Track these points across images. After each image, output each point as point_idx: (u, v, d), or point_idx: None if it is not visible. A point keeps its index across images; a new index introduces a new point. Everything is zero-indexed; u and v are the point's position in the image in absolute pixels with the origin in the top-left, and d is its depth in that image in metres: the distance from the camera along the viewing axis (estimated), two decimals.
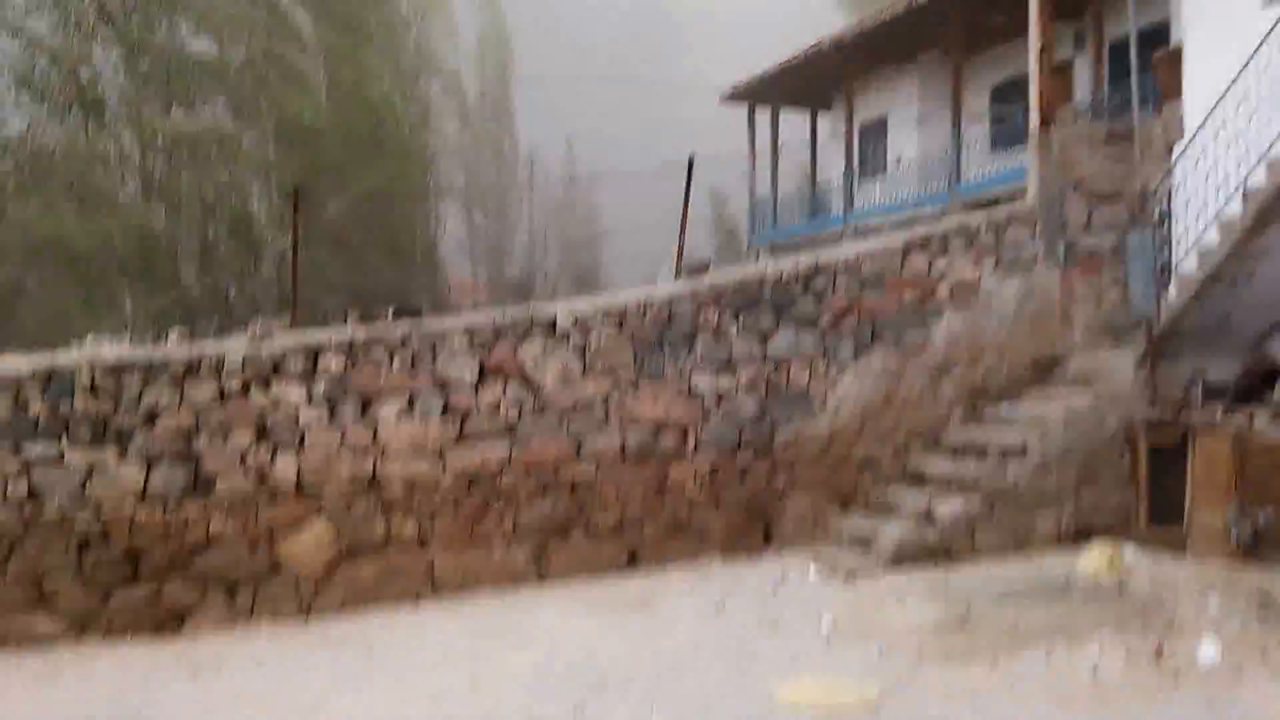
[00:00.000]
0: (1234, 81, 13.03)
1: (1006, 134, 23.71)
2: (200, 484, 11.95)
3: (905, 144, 27.47)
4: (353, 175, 31.91)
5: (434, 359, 12.97)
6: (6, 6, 30.16)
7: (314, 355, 12.54)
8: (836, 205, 29.41)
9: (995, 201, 18.39)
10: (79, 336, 16.56)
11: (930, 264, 14.97)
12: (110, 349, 12.69)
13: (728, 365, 14.06)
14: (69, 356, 11.96)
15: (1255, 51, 12.69)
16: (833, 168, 30.70)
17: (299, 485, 12.27)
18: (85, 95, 30.59)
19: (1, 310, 28.47)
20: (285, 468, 12.24)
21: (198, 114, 31.52)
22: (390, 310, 13.56)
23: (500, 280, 40.82)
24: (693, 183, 15.78)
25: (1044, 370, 15.27)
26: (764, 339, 14.24)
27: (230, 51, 32.86)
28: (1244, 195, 12.67)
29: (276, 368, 12.38)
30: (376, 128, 34.54)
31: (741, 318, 14.17)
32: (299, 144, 32.28)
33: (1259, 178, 12.46)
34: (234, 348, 12.38)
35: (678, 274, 15.04)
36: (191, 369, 12.06)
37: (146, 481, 11.74)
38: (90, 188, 30.12)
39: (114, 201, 30.43)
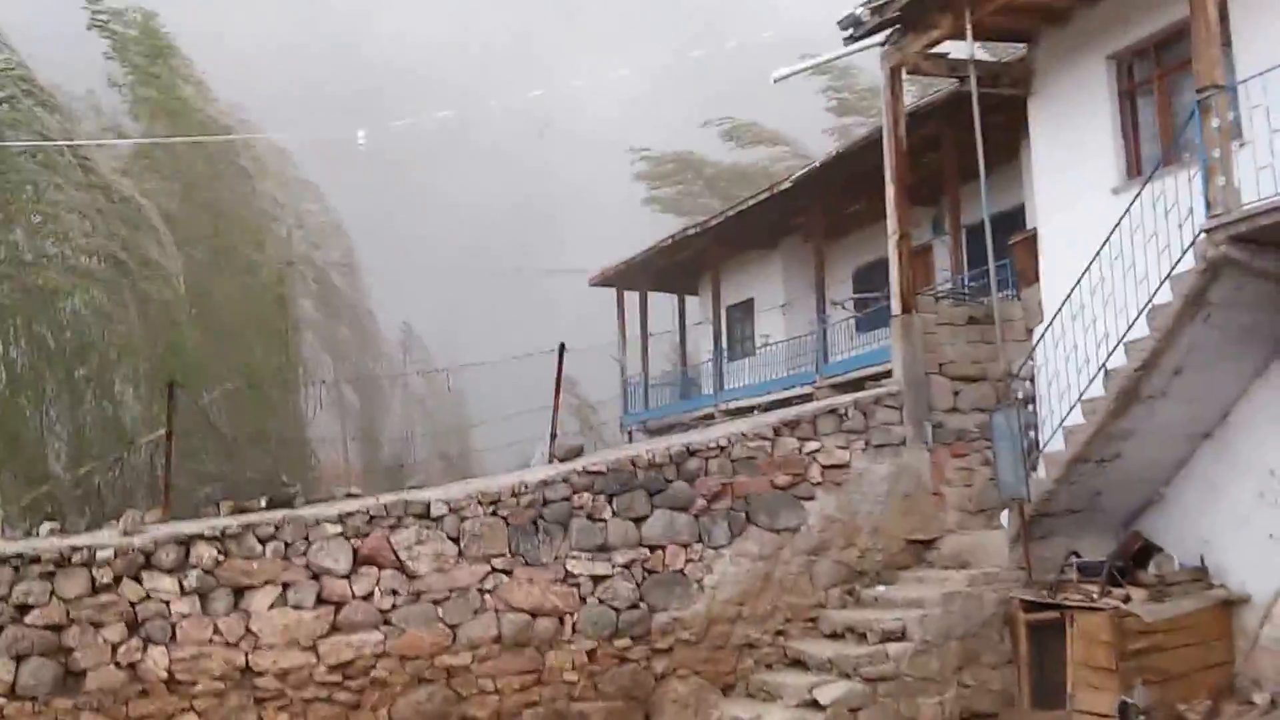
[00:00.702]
0: (1088, 267, 13.56)
1: (871, 315, 24.30)
2: (70, 679, 11.59)
3: (772, 326, 28.00)
4: (221, 362, 31.64)
5: (307, 548, 12.76)
6: None
7: (186, 546, 12.32)
8: (707, 386, 29.76)
9: (863, 382, 18.75)
10: None
11: (801, 445, 15.17)
12: None
13: (603, 549, 14.01)
14: None
15: (1107, 239, 13.24)
16: (703, 349, 31.16)
17: (171, 679, 11.94)
18: None
19: None
20: (157, 661, 11.93)
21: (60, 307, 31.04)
22: (263, 499, 13.39)
23: (373, 463, 40.38)
24: (564, 366, 15.91)
25: (919, 551, 15.44)
26: (639, 522, 14.23)
27: (88, 244, 32.56)
28: (1105, 376, 13.09)
29: (148, 559, 12.16)
30: (239, 315, 34.36)
31: (616, 501, 14.17)
32: (164, 332, 31.94)
33: (1118, 359, 12.90)
34: (105, 540, 12.17)
35: (551, 458, 15.05)
36: (63, 562, 11.80)
37: (15, 676, 11.37)
38: None
39: None
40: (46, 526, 13.91)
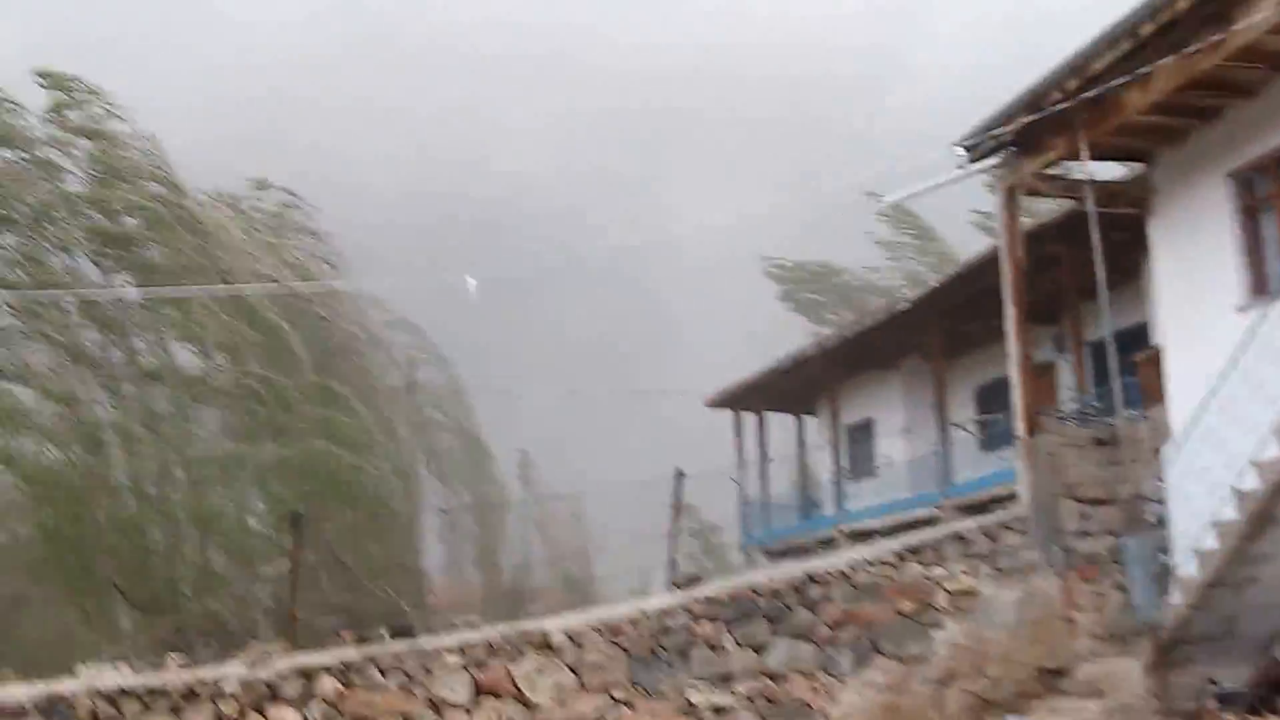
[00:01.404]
0: (1216, 387, 13.23)
1: (995, 434, 23.92)
2: None
3: (893, 445, 27.68)
4: (344, 494, 32.14)
5: (428, 679, 12.76)
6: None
7: (309, 678, 12.38)
8: (827, 506, 29.44)
9: (988, 504, 18.41)
10: (80, 653, 16.44)
11: (926, 571, 14.86)
12: (110, 676, 12.55)
13: (725, 679, 13.77)
14: (70, 685, 11.85)
15: (1235, 357, 12.93)
16: (822, 469, 30.86)
17: None
18: (82, 424, 30.96)
19: (3, 623, 28.25)
20: None
21: (192, 434, 31.92)
22: (384, 630, 13.44)
23: (492, 589, 40.53)
24: (682, 490, 15.84)
25: (1051, 679, 14.95)
26: (760, 651, 14.00)
27: (222, 370, 33.49)
28: (1237, 498, 12.69)
29: (273, 692, 12.19)
30: (362, 450, 34.96)
31: (736, 630, 13.96)
32: (291, 464, 32.64)
33: (1250, 481, 12.51)
34: (231, 673, 12.24)
35: (670, 586, 14.93)
36: (189, 695, 11.90)
37: None
38: (88, 507, 30.23)
39: (112, 523, 30.52)
40: (173, 658, 14.06)
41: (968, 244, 35.88)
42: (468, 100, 64.08)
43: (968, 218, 41.37)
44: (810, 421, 33.15)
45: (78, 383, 31.57)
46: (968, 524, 15.57)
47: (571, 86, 65.98)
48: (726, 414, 32.77)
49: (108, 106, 33.09)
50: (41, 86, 32.60)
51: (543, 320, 55.85)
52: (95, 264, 32.29)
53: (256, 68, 58.00)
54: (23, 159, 31.64)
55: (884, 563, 14.77)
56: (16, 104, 31.69)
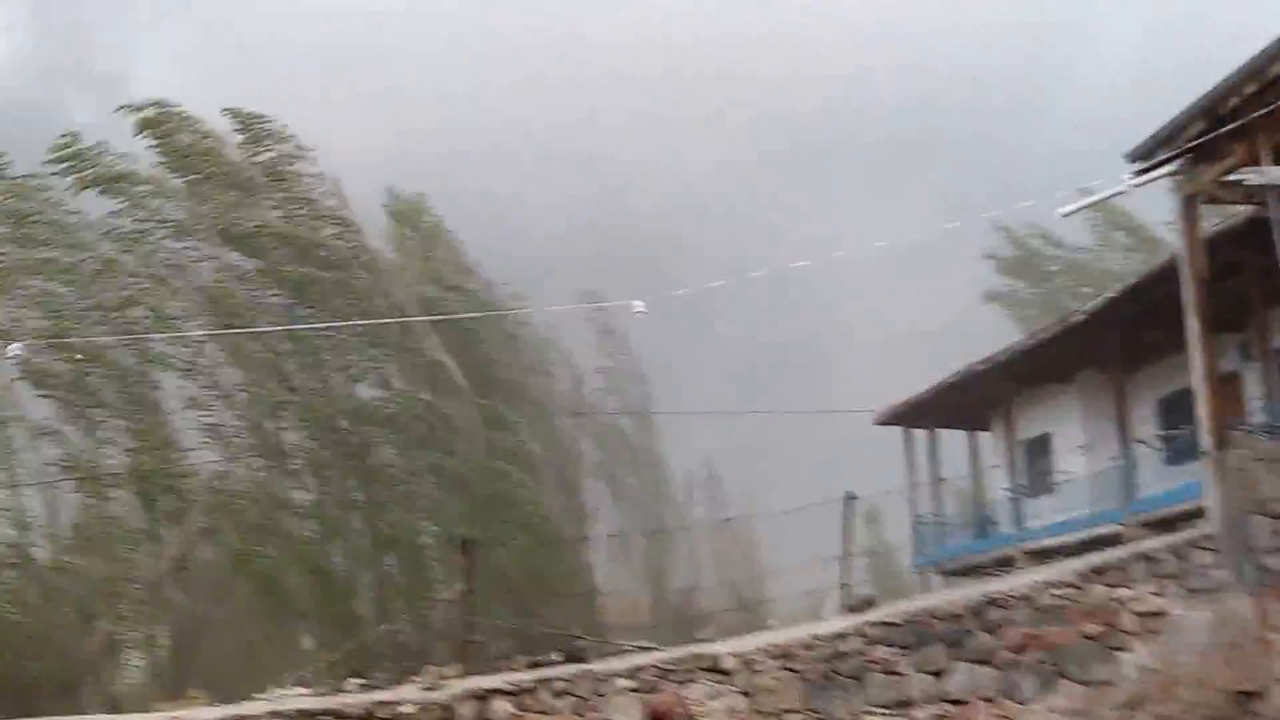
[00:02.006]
0: None
1: (1180, 447, 23.04)
2: None
3: (1071, 460, 26.86)
4: (514, 518, 32.62)
5: (599, 702, 12.75)
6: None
7: (484, 700, 12.51)
8: (1004, 525, 28.69)
9: (1176, 520, 17.70)
10: (263, 675, 16.90)
11: (1111, 592, 14.29)
12: (292, 698, 12.85)
13: (902, 705, 13.45)
14: (253, 707, 12.17)
15: None
16: (997, 486, 30.10)
17: None
18: (268, 443, 31.99)
19: (189, 643, 29.18)
20: None
21: (368, 460, 32.78)
22: (556, 653, 13.49)
23: (662, 611, 40.61)
24: (852, 513, 15.55)
25: (1246, 704, 14.27)
26: (939, 676, 13.63)
27: (398, 398, 34.36)
28: None
29: (448, 714, 12.35)
30: (532, 473, 35.45)
31: (913, 654, 13.63)
32: (462, 487, 33.27)
33: None
34: (408, 695, 12.46)
35: (843, 609, 14.67)
36: (368, 717, 12.12)
37: None
38: (272, 529, 31.19)
39: (294, 543, 31.45)
40: (354, 682, 14.35)
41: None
42: (631, 124, 64.64)
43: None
44: (984, 438, 32.42)
45: (267, 409, 32.66)
46: (1154, 542, 14.98)
47: (736, 107, 66.16)
48: (896, 435, 32.21)
49: (298, 150, 34.28)
50: (235, 128, 33.93)
51: (710, 343, 55.89)
52: (290, 298, 33.46)
53: (425, 100, 59.32)
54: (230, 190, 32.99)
55: (1067, 584, 14.27)
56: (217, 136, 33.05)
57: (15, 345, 25.77)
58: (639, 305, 24.44)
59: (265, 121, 34.73)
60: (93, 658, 28.18)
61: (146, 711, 13.99)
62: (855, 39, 64.64)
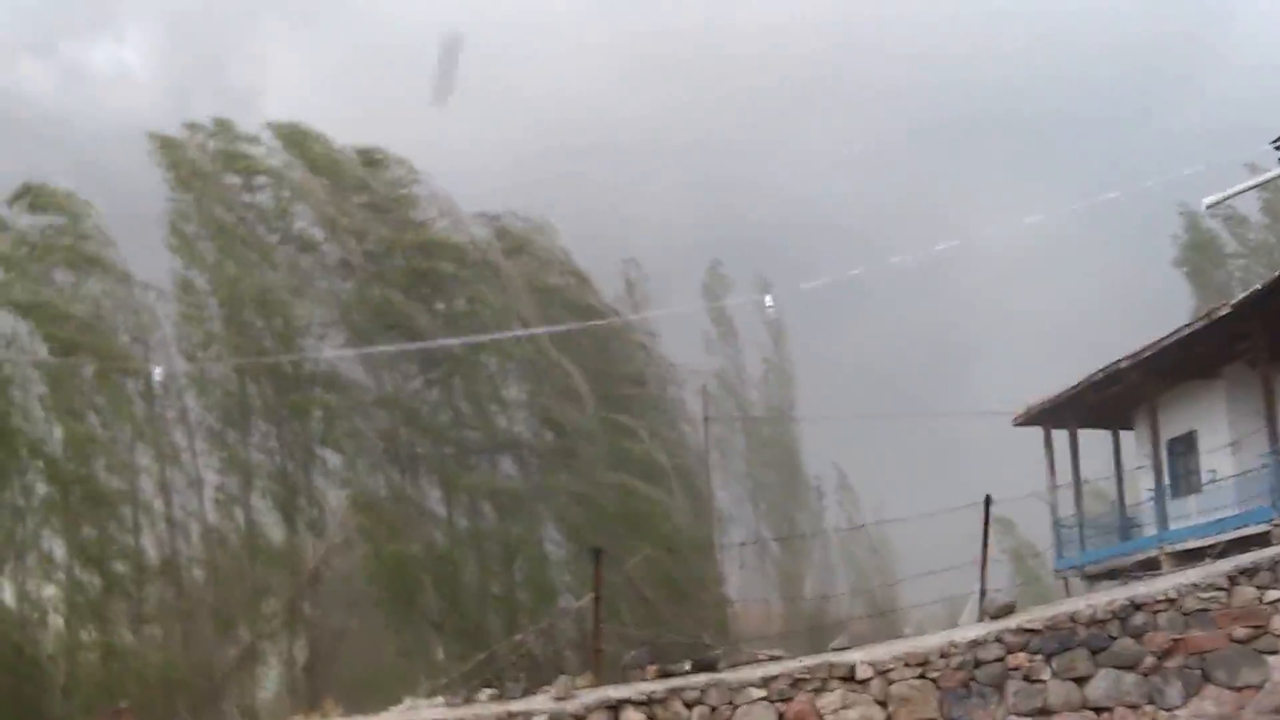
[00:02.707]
0: None
1: None
2: None
3: (1217, 459, 26.03)
4: (643, 526, 32.68)
5: (732, 712, 12.66)
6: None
7: (616, 711, 12.55)
8: (1148, 526, 27.93)
9: None
10: (398, 685, 17.16)
11: (1261, 595, 13.74)
12: (426, 709, 13.02)
13: (1043, 713, 13.09)
14: (389, 717, 12.34)
15: None
16: (1140, 487, 29.31)
17: None
18: (399, 451, 32.54)
19: (325, 654, 29.70)
20: None
21: (496, 471, 33.19)
22: (687, 663, 13.40)
23: (795, 617, 40.30)
24: (991, 517, 15.21)
25: None
26: (1081, 683, 13.23)
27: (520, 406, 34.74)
28: None
29: None
30: (659, 481, 35.51)
31: (1054, 661, 13.25)
32: (590, 497, 33.47)
33: None
34: (541, 706, 12.55)
35: (982, 616, 14.33)
36: None
37: None
38: (404, 537, 31.71)
39: (428, 556, 31.95)
40: (486, 693, 14.41)
41: None
42: (749, 127, 64.35)
43: None
44: (1127, 437, 31.60)
45: (401, 420, 33.23)
46: None
47: (862, 104, 65.46)
48: (1034, 434, 31.54)
49: (415, 175, 35.04)
50: (363, 163, 34.82)
51: (846, 337, 55.27)
52: (418, 311, 34.07)
53: (543, 111, 59.76)
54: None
55: (1214, 586, 13.75)
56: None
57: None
58: (769, 301, 24.33)
59: (382, 153, 35.64)
60: (232, 668, 28.80)
61: None
62: (993, 13, 63.39)
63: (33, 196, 33.27)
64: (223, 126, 34.88)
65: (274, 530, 33.52)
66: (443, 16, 60.88)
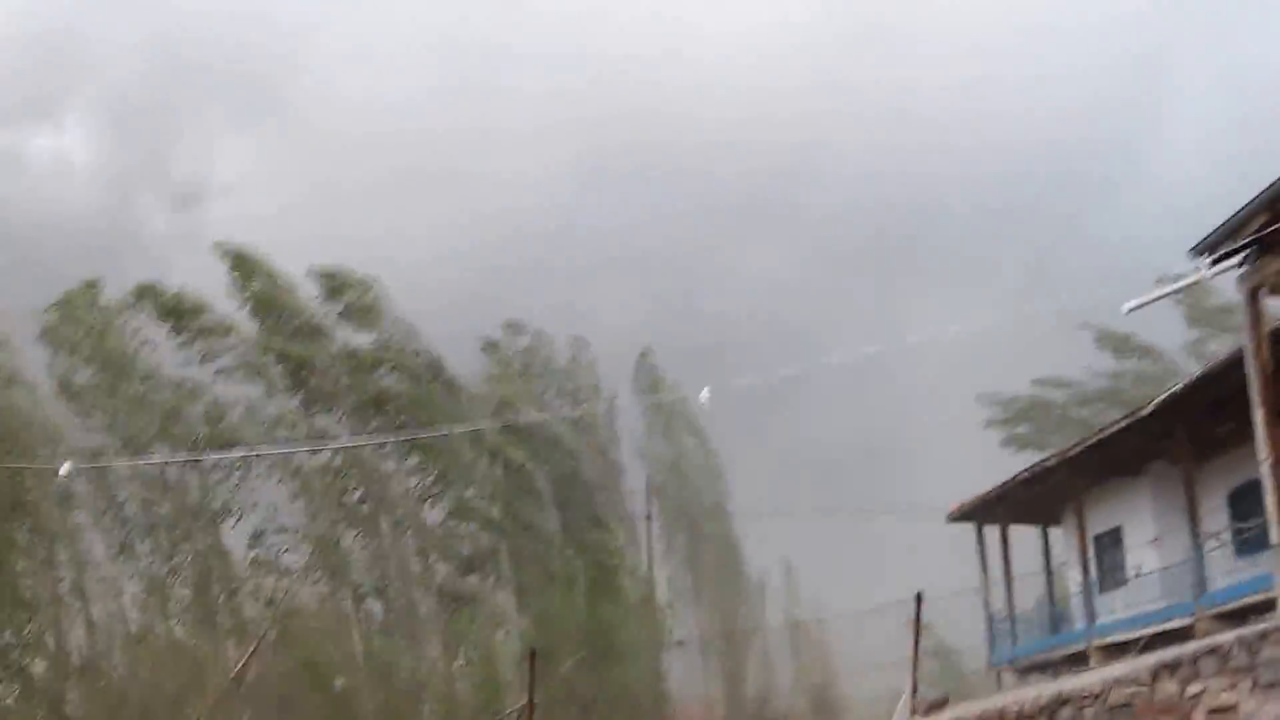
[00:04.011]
0: None
1: (1253, 539, 22.78)
2: None
3: (1143, 554, 26.59)
4: (588, 619, 32.78)
5: None
6: None
7: None
8: (1076, 620, 28.38)
9: (1247, 612, 17.50)
10: None
11: (1183, 689, 14.11)
12: None
13: None
14: None
15: None
16: (1069, 582, 29.81)
17: None
18: (335, 567, 32.56)
19: None
20: None
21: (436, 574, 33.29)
22: None
23: (737, 706, 40.31)
24: (922, 614, 15.54)
25: None
26: None
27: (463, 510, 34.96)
28: None
29: None
30: (605, 575, 35.71)
31: None
32: (534, 597, 33.61)
33: None
34: None
35: (913, 712, 14.61)
36: None
37: None
38: (338, 646, 31.58)
39: (363, 658, 31.80)
40: None
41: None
42: (697, 236, 65.45)
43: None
44: (1056, 533, 32.18)
45: (330, 529, 33.20)
46: (1225, 636, 14.80)
47: (804, 218, 66.88)
48: (963, 530, 32.06)
49: (375, 296, 35.38)
50: (325, 285, 35.14)
51: (782, 439, 55.85)
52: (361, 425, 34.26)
53: (505, 213, 60.52)
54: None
55: (1137, 681, 14.10)
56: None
57: (66, 465, 26.56)
58: (704, 394, 24.78)
59: (340, 273, 35.88)
60: None
61: None
62: (929, 129, 65.01)
63: None
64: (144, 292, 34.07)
65: (195, 635, 33.18)
66: (395, 108, 61.80)
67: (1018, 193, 63.48)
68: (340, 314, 35.70)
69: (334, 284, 35.66)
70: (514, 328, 41.93)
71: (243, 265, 34.51)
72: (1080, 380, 46.92)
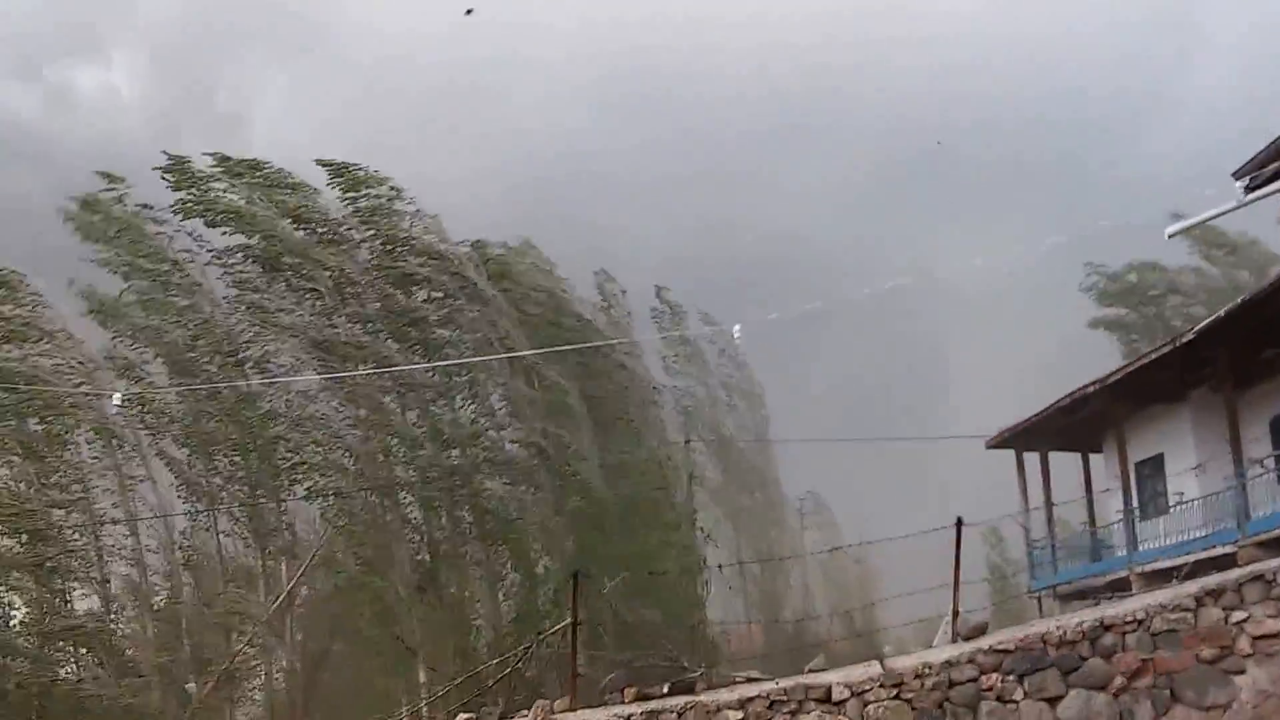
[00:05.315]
0: None
1: None
2: None
3: (1185, 481, 26.41)
4: (627, 543, 32.86)
5: None
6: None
7: None
8: (1118, 547, 28.26)
9: None
10: (381, 704, 17.21)
11: (1226, 615, 14.06)
12: None
13: None
14: None
15: None
16: (1110, 509, 29.68)
17: None
18: (378, 478, 32.62)
19: (307, 677, 29.72)
20: None
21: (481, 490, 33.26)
22: (665, 685, 13.57)
23: (774, 630, 40.51)
24: (963, 539, 15.48)
25: None
26: (1053, 703, 13.50)
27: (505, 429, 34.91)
28: None
29: None
30: (645, 494, 35.68)
31: (1026, 681, 13.52)
32: (575, 519, 33.67)
33: None
34: None
35: (955, 637, 14.58)
36: None
37: None
38: (386, 563, 31.79)
39: (408, 576, 32.01)
40: (463, 716, 14.55)
41: None
42: (727, 163, 65.02)
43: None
44: (1096, 460, 31.99)
45: (378, 444, 33.31)
46: (1270, 563, 14.71)
47: (833, 143, 66.29)
48: (1004, 458, 31.88)
49: (393, 190, 34.92)
50: (331, 177, 34.74)
51: (818, 369, 55.81)
52: (393, 337, 34.11)
53: (536, 141, 60.23)
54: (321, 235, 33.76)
55: (1181, 607, 14.06)
56: (313, 186, 33.87)
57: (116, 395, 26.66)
58: (736, 330, 24.64)
59: (360, 169, 35.41)
60: (208, 694, 28.83)
61: None
62: (959, 57, 64.31)
63: None
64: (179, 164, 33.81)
65: (246, 556, 33.53)
66: (431, 48, 61.50)
67: (1050, 133, 62.85)
68: (364, 221, 35.24)
69: (353, 182, 35.19)
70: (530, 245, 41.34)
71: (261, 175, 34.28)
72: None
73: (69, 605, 30.78)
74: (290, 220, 34.07)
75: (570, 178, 57.94)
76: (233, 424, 32.59)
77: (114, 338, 33.19)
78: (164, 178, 33.28)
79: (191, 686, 30.96)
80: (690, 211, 62.81)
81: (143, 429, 32.83)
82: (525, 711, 14.03)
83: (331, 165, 35.30)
